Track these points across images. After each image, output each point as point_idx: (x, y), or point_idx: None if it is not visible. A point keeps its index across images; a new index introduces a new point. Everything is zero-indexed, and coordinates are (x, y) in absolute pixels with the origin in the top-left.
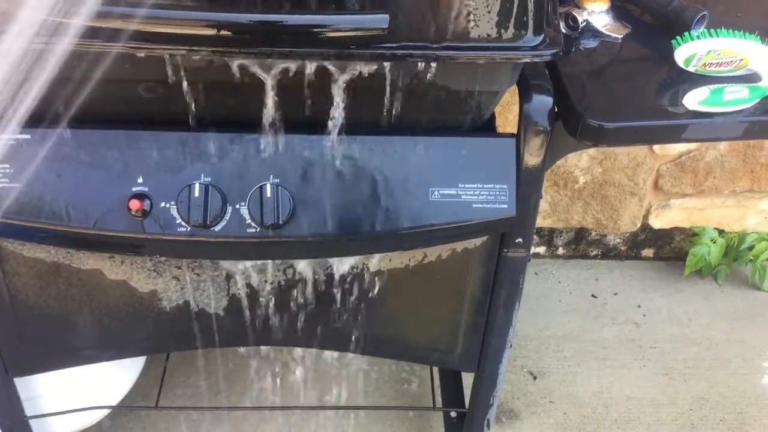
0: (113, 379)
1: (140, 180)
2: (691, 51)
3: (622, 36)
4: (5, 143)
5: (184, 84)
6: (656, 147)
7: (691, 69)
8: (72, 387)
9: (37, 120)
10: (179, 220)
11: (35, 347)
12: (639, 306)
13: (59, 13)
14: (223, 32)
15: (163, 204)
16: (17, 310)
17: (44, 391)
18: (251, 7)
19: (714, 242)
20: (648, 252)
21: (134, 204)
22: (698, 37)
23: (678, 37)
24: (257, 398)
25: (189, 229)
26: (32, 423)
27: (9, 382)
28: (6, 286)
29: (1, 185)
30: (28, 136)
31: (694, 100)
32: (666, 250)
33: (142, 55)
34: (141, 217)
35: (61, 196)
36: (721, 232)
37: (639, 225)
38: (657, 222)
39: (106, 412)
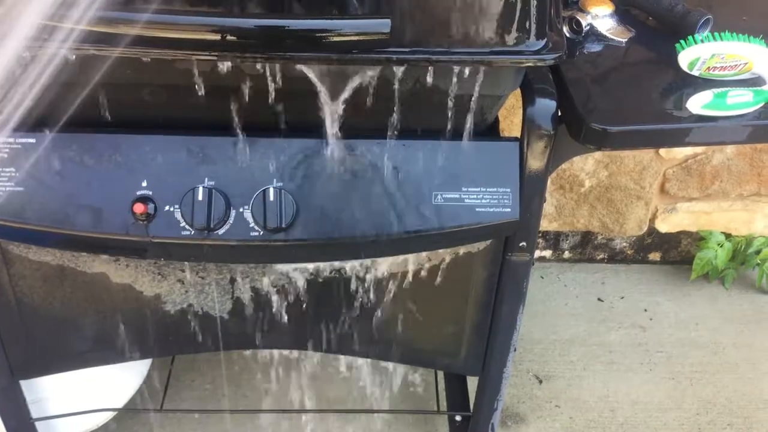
0: (119, 381)
1: (144, 184)
2: (695, 55)
3: (626, 40)
4: (10, 147)
5: (187, 88)
6: (662, 151)
7: (695, 73)
8: (78, 389)
9: (42, 124)
10: (183, 224)
11: (41, 350)
12: (646, 310)
13: (57, 18)
14: (227, 37)
15: (167, 208)
16: (23, 313)
17: (50, 393)
18: (255, 13)
19: (721, 246)
20: (655, 256)
21: (138, 208)
22: (702, 41)
23: (682, 41)
24: (262, 402)
25: (193, 232)
26: (38, 425)
27: (15, 385)
28: (12, 288)
29: (7, 189)
30: (33, 140)
31: (697, 103)
32: (673, 254)
33: (147, 59)
34: (145, 221)
35: (66, 200)
36: (728, 236)
37: (645, 229)
38: (664, 226)
39: (112, 414)
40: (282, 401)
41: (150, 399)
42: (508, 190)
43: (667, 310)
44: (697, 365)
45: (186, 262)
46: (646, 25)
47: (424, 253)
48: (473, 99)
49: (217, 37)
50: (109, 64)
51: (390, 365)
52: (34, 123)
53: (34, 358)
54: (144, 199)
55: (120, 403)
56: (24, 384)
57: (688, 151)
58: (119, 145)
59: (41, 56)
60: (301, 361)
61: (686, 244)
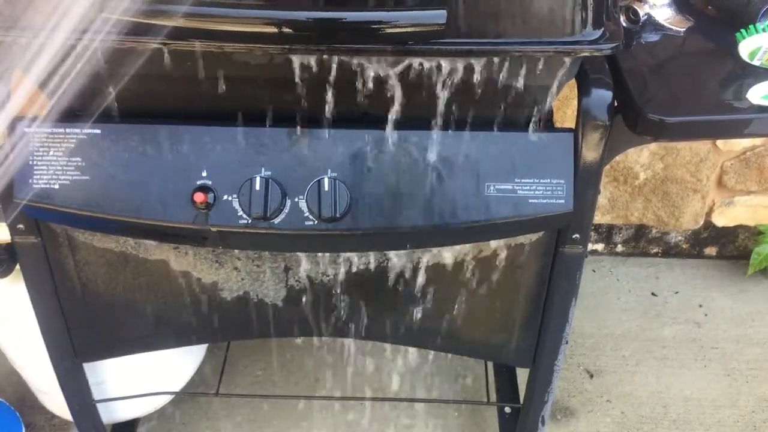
0: (176, 366)
1: (204, 174)
2: (756, 44)
3: (684, 29)
4: (77, 138)
5: (243, 80)
6: (720, 142)
7: (756, 62)
8: (137, 373)
9: (107, 115)
10: (241, 213)
11: (103, 333)
12: (700, 305)
13: (123, 12)
14: (282, 29)
15: (225, 197)
16: (87, 298)
17: (111, 376)
18: (310, 5)
19: None
20: (711, 250)
21: (199, 197)
22: (764, 30)
23: (743, 30)
24: (312, 388)
25: (250, 221)
26: (99, 407)
27: (78, 367)
28: (77, 274)
29: (74, 178)
30: (98, 131)
31: (758, 94)
32: (729, 248)
33: (202, 52)
34: (205, 210)
35: (130, 189)
36: None
37: (701, 222)
38: (720, 219)
39: (169, 398)
40: (330, 388)
41: (206, 384)
42: (562, 181)
43: (722, 306)
44: (753, 362)
45: (242, 251)
46: (705, 14)
47: (475, 244)
48: (528, 89)
49: (273, 29)
50: (170, 58)
51: (439, 355)
52: (100, 115)
53: (96, 341)
54: (204, 189)
55: (177, 387)
56: (87, 367)
57: (747, 143)
58: (180, 136)
59: (105, 49)
60: (350, 350)
61: (743, 239)
